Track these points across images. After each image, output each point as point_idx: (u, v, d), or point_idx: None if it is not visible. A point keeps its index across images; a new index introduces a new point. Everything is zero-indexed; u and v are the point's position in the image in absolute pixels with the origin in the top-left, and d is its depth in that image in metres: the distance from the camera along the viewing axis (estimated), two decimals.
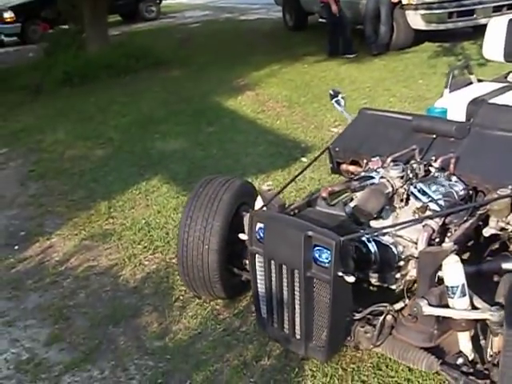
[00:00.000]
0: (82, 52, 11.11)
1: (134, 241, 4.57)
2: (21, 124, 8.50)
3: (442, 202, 2.83)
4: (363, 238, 2.88)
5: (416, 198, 2.89)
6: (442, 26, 9.61)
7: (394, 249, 2.85)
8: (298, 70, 9.45)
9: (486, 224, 2.91)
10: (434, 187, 2.92)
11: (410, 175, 2.93)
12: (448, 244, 2.54)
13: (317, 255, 2.56)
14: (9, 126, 8.48)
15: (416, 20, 9.53)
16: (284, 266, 2.70)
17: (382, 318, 2.70)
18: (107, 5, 11.62)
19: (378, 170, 3.08)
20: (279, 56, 10.48)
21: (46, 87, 10.27)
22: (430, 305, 2.53)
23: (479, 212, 2.89)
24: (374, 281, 2.96)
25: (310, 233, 2.55)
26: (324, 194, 3.05)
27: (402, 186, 2.91)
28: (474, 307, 2.49)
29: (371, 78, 8.49)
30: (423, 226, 2.81)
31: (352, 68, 9.27)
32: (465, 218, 2.83)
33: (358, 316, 2.77)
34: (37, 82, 10.46)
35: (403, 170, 2.93)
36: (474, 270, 2.79)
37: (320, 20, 11.82)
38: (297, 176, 3.57)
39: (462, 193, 2.97)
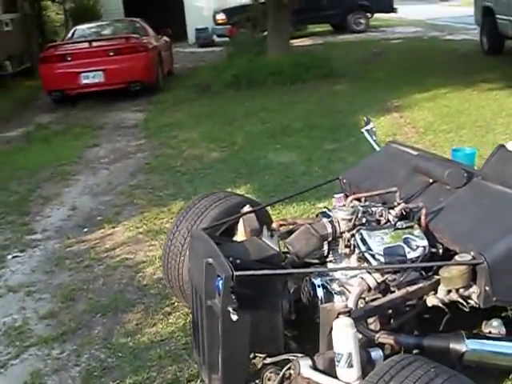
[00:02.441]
0: (259, 58, 11.70)
1: None
2: (171, 119, 9.31)
3: (381, 257, 2.61)
4: (314, 281, 2.81)
5: (358, 245, 2.72)
6: None
7: (338, 298, 2.73)
8: (463, 96, 8.96)
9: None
10: (378, 238, 2.66)
11: (363, 220, 2.76)
12: (340, 303, 2.37)
13: (220, 285, 2.49)
14: (160, 120, 9.35)
15: None
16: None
17: (285, 368, 2.60)
18: (290, 15, 12.09)
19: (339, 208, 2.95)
20: (456, 80, 10.01)
21: (214, 88, 11.03)
22: (313, 367, 2.41)
23: (438, 277, 2.62)
24: None
25: (210, 260, 2.55)
26: (274, 225, 3.01)
27: (349, 230, 2.75)
28: None
29: None
30: (361, 279, 2.66)
31: None
32: (403, 279, 2.57)
33: (268, 360, 2.71)
34: (208, 81, 11.29)
35: (353, 213, 2.76)
36: (414, 342, 2.56)
37: None
38: (283, 199, 3.56)
39: (419, 250, 2.60)
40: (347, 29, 19.10)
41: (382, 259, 2.57)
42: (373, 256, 2.59)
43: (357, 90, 10.06)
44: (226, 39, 18.36)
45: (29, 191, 6.49)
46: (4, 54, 14.14)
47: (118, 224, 5.36)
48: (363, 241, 2.65)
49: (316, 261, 2.96)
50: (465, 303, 2.48)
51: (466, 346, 2.47)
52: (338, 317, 2.30)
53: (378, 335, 2.54)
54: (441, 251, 2.64)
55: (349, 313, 2.31)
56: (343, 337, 2.25)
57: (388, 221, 2.73)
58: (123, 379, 3.20)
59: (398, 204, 2.75)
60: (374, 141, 3.72)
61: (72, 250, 4.92)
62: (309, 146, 7.17)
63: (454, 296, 2.49)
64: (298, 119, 8.52)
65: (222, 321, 2.48)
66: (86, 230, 5.33)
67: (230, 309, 2.42)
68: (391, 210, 2.73)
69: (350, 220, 2.72)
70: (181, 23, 21.21)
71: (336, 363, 2.29)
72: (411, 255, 2.59)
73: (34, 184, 6.72)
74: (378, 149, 3.72)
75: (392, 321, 2.71)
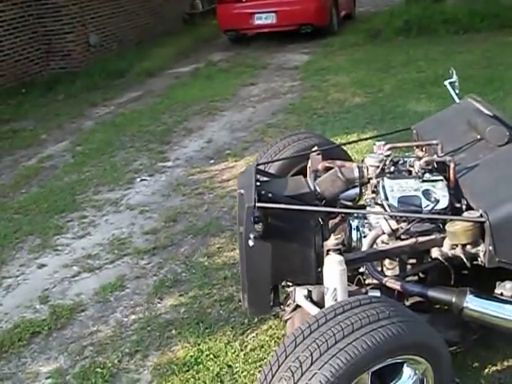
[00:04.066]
0: (436, 5, 11.30)
1: None
2: (331, 63, 9.52)
3: (394, 204, 2.68)
4: (351, 223, 2.96)
5: (378, 192, 2.81)
6: None
7: (364, 240, 2.86)
8: None
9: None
10: (398, 186, 2.68)
11: (392, 168, 2.82)
12: (331, 241, 2.51)
13: None
14: (321, 63, 9.61)
15: None
16: None
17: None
18: None
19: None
20: None
21: (384, 33, 10.93)
22: (307, 296, 2.61)
23: None
24: None
25: (242, 191, 2.81)
26: (319, 167, 3.15)
27: (376, 177, 2.84)
28: None
29: None
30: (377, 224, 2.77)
31: None
32: (410, 228, 2.63)
33: (291, 288, 2.93)
34: (380, 27, 11.19)
35: (381, 161, 2.84)
36: (419, 291, 2.64)
37: None
38: (355, 141, 3.75)
39: (435, 203, 2.59)
40: None
41: (395, 207, 2.64)
42: (388, 203, 2.67)
43: None
44: None
45: (176, 123, 7.12)
46: None
47: (242, 159, 5.74)
48: (383, 188, 2.73)
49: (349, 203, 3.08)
50: (466, 260, 2.49)
51: (466, 302, 2.51)
52: (328, 253, 2.46)
53: (385, 279, 2.66)
54: (464, 207, 2.63)
55: (339, 250, 2.46)
56: (330, 272, 2.41)
57: (416, 172, 2.76)
58: (188, 292, 3.63)
59: (425, 156, 2.78)
60: (456, 94, 3.64)
61: (192, 178, 5.42)
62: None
63: (458, 251, 2.50)
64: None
65: (244, 246, 2.74)
66: (212, 161, 5.80)
67: (251, 235, 2.67)
68: (416, 162, 2.76)
69: (378, 167, 2.80)
70: None
71: (324, 295, 2.46)
72: (428, 207, 2.62)
73: (183, 117, 7.35)
74: (458, 102, 3.65)
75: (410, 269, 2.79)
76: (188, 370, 2.99)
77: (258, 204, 2.63)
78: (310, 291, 2.63)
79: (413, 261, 2.81)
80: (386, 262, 2.83)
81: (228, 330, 3.24)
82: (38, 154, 6.60)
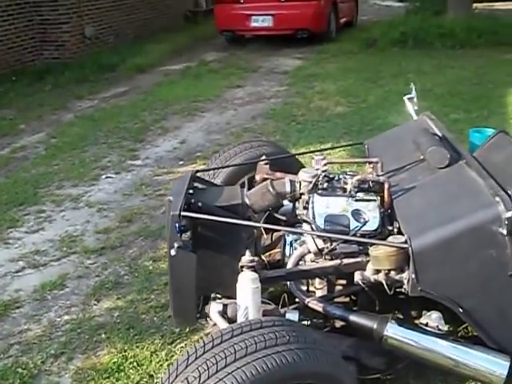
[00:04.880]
0: (434, 18, 11.23)
1: None
2: (321, 70, 9.50)
3: (320, 223, 2.59)
4: (286, 238, 2.88)
5: (307, 208, 2.72)
6: None
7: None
8: None
9: None
10: (327, 204, 2.60)
11: (325, 184, 2.74)
12: (245, 257, 2.42)
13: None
14: (311, 70, 9.59)
15: None
16: None
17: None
18: None
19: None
20: None
21: (380, 43, 10.86)
22: (221, 312, 2.53)
23: None
24: None
25: (171, 198, 2.72)
26: (257, 177, 3.07)
27: (308, 192, 2.76)
28: None
29: None
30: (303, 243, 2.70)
31: None
32: (333, 249, 2.52)
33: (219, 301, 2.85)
34: (376, 36, 11.10)
35: (314, 176, 2.76)
36: (340, 315, 2.55)
37: None
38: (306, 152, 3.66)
39: (362, 224, 2.53)
40: None
41: (321, 226, 2.56)
42: (313, 221, 2.59)
43: None
44: None
45: (154, 121, 7.04)
46: None
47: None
48: (312, 204, 2.65)
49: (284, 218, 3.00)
50: (388, 287, 2.40)
51: (387, 330, 2.42)
52: (242, 270, 2.38)
53: (308, 300, 2.58)
54: (396, 230, 2.55)
55: (253, 267, 2.37)
56: (242, 290, 2.34)
57: (349, 190, 2.68)
58: (126, 295, 3.55)
59: (358, 174, 2.70)
60: (415, 111, 3.55)
61: (157, 179, 5.34)
62: (436, 113, 6.76)
63: (380, 277, 2.42)
64: (444, 84, 8.14)
65: (168, 255, 2.65)
66: (181, 162, 5.72)
67: (175, 245, 2.58)
68: (348, 180, 2.68)
69: (310, 182, 2.73)
70: None
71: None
72: (355, 228, 2.54)
73: (162, 115, 7.28)
74: (415, 118, 3.57)
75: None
76: (108, 377, 2.91)
77: (183, 213, 2.55)
78: (225, 306, 2.54)
79: (343, 282, 2.73)
80: (316, 281, 2.75)
81: (157, 338, 3.16)
82: (13, 144, 6.53)
